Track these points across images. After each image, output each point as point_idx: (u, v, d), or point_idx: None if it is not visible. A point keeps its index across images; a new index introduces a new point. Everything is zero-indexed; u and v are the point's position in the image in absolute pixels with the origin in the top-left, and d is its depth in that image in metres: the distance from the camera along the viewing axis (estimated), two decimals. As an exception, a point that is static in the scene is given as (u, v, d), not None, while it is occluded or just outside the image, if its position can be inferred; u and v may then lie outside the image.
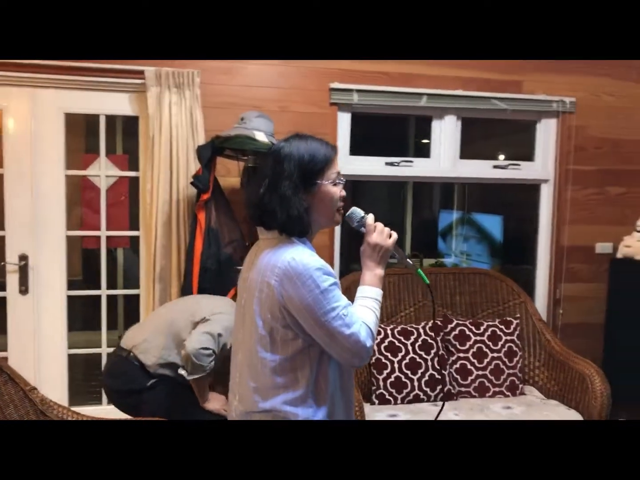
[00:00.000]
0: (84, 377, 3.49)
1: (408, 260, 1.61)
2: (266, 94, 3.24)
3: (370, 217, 1.58)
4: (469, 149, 3.65)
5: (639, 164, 3.76)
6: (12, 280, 3.08)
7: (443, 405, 1.79)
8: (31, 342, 3.11)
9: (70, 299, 3.16)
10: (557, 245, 3.68)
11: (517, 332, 3.10)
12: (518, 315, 3.21)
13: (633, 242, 3.44)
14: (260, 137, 2.74)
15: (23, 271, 3.07)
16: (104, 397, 3.17)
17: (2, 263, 3.07)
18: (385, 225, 1.58)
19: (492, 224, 5.34)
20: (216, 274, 2.81)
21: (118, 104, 3.14)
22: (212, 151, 2.80)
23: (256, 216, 1.52)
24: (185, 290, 2.84)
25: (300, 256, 1.43)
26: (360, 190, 5.79)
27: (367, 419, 2.58)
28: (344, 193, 1.55)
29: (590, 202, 3.72)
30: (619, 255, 3.53)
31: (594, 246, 3.74)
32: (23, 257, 3.07)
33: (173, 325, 2.38)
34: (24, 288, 3.08)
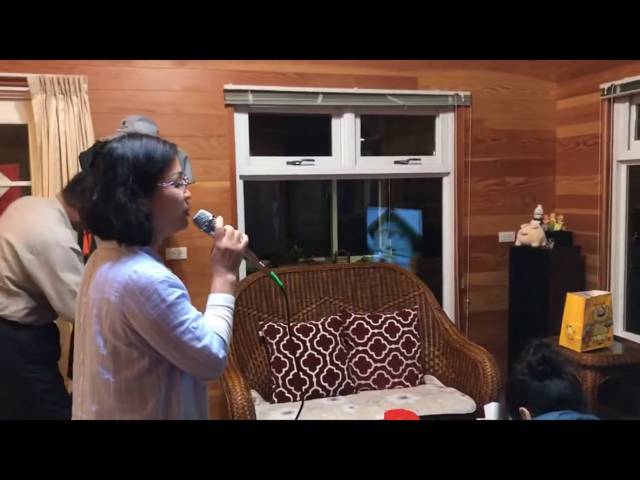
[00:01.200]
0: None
1: (260, 263, 1.55)
2: (159, 98, 3.22)
3: (219, 220, 1.48)
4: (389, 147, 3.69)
5: (536, 153, 3.89)
6: None
7: (302, 405, 1.78)
8: None
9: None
10: (460, 236, 3.77)
11: (414, 323, 3.17)
12: (417, 307, 3.28)
13: (529, 230, 3.55)
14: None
15: None
16: None
17: None
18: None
19: (413, 218, 5.43)
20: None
21: (5, 112, 3.08)
22: (93, 157, 2.77)
23: (91, 225, 1.40)
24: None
25: (142, 268, 1.31)
26: (291, 190, 5.83)
27: (260, 418, 2.59)
28: (188, 194, 1.44)
29: (491, 193, 3.83)
30: (517, 243, 3.64)
31: (497, 235, 3.85)
32: None
33: None
34: None
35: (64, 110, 2.98)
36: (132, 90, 3.19)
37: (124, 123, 2.76)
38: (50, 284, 2.34)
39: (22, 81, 2.96)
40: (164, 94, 3.23)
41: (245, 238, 1.49)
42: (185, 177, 1.45)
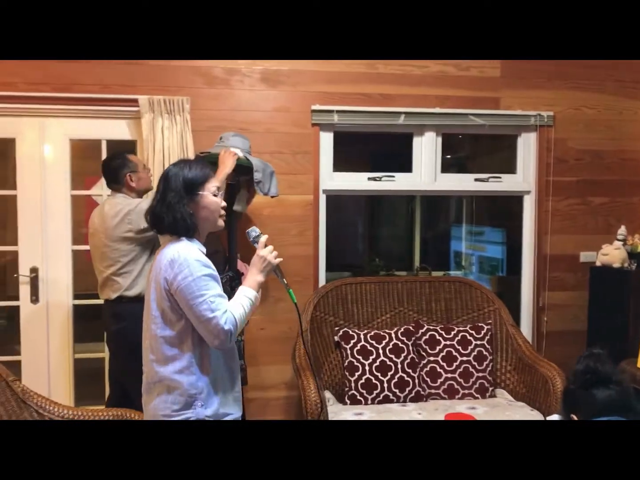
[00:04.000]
0: (88, 380, 3.77)
1: (284, 280, 1.96)
2: (252, 117, 3.50)
3: (263, 238, 1.94)
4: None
5: (621, 174, 3.85)
6: (24, 290, 3.42)
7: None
8: (43, 347, 3.42)
9: (79, 308, 3.48)
10: (540, 255, 3.78)
11: (487, 337, 3.23)
12: (490, 322, 3.34)
13: (610, 250, 3.52)
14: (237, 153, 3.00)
15: (34, 282, 3.41)
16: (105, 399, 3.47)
17: (15, 275, 3.41)
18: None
19: (496, 236, 5.44)
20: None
21: (117, 129, 3.47)
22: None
23: (152, 223, 1.87)
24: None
25: (183, 249, 1.77)
26: (375, 205, 6.01)
27: (332, 418, 2.76)
28: (224, 204, 1.92)
29: (573, 212, 3.82)
30: (598, 263, 3.61)
31: (578, 255, 3.83)
32: (34, 270, 3.41)
33: None
34: (34, 298, 3.41)
35: (169, 128, 3.33)
36: (228, 110, 3.49)
37: (220, 138, 3.04)
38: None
39: (134, 102, 3.33)
40: (256, 113, 3.52)
41: (279, 259, 1.94)
42: (221, 192, 1.92)
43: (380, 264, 5.51)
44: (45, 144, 3.41)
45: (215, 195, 1.88)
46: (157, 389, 1.82)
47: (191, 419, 1.77)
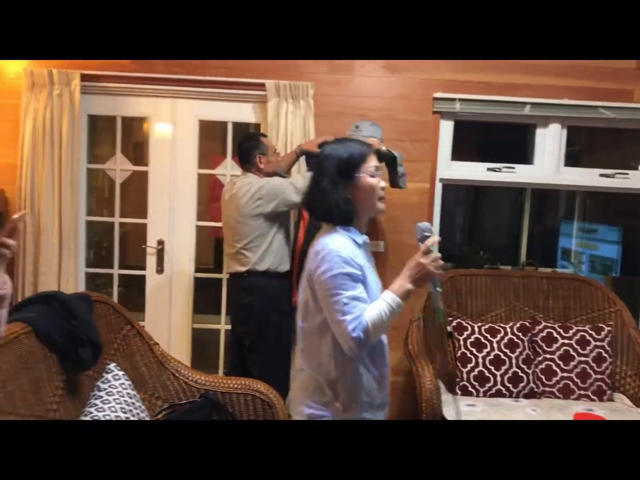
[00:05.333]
0: (204, 349, 3.98)
1: (438, 294, 1.70)
2: (371, 104, 3.53)
3: (431, 240, 1.64)
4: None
5: None
6: (151, 261, 3.65)
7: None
8: (165, 315, 3.64)
9: (199, 281, 3.67)
10: (667, 257, 3.59)
11: (608, 339, 3.11)
12: (611, 323, 3.21)
13: None
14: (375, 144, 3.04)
15: (160, 254, 3.62)
16: (220, 369, 3.65)
17: (144, 246, 3.64)
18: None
19: (610, 234, 5.19)
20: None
21: (243, 112, 3.60)
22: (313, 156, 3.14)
23: (307, 209, 1.82)
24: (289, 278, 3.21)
25: (331, 242, 1.64)
26: (480, 196, 5.89)
27: (445, 407, 2.76)
28: (383, 184, 1.73)
29: None
30: None
31: None
32: (160, 242, 3.62)
33: None
34: (160, 268, 3.63)
35: (292, 113, 3.42)
36: (349, 97, 3.53)
37: (357, 127, 3.10)
38: None
39: (261, 86, 3.44)
40: (376, 100, 3.53)
41: (441, 273, 1.66)
42: (379, 172, 1.73)
43: (484, 257, 5.40)
44: (176, 124, 3.60)
45: (372, 177, 1.70)
46: (299, 379, 1.76)
47: (326, 418, 1.65)
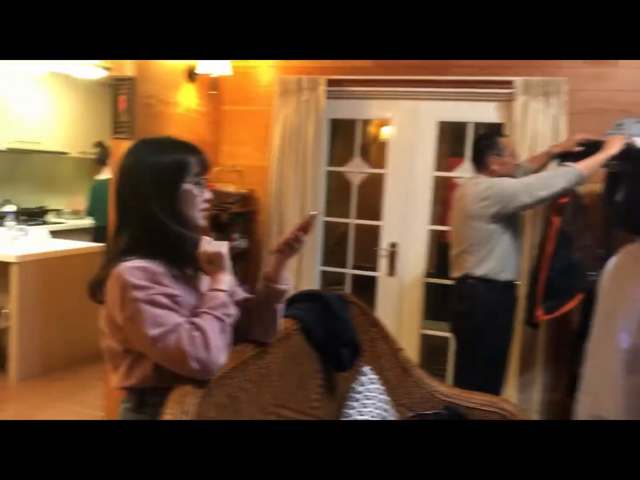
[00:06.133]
0: (430, 357, 3.88)
1: None
2: (637, 98, 3.12)
3: None
4: None
5: None
6: (383, 263, 3.66)
7: None
8: (395, 318, 3.62)
9: (430, 285, 3.60)
10: None
11: None
12: None
13: None
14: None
15: (392, 257, 3.62)
16: (449, 379, 3.53)
17: (376, 248, 3.66)
18: None
19: None
20: (564, 278, 2.86)
21: (485, 112, 3.43)
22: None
23: (625, 222, 1.45)
24: (530, 291, 2.96)
25: None
26: None
27: None
28: None
29: None
30: None
31: None
32: (393, 245, 3.61)
33: None
34: (391, 271, 3.62)
35: (542, 112, 3.16)
36: (610, 91, 3.16)
37: (619, 124, 2.77)
38: None
39: (507, 84, 3.24)
40: (642, 94, 3.12)
41: None
42: None
43: None
44: (415, 126, 3.55)
45: None
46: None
47: None
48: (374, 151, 5.09)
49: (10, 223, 4.31)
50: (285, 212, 3.62)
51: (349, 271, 3.78)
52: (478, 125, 3.51)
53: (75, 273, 4.28)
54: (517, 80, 3.19)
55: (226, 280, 1.38)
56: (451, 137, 4.06)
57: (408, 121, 3.57)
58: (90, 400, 3.62)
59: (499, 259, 2.77)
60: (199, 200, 1.41)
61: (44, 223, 5.42)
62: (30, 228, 4.59)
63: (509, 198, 2.69)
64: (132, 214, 1.38)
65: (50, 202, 5.97)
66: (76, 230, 5.52)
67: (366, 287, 3.82)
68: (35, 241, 4.24)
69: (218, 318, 1.30)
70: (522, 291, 3.08)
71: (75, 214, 5.90)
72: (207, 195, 1.45)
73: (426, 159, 3.54)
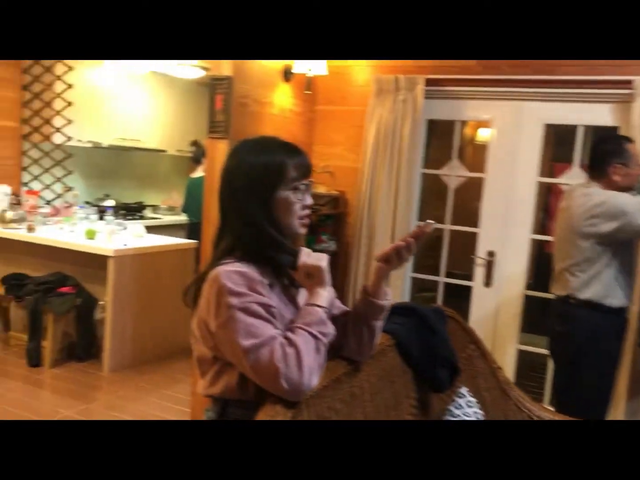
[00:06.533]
0: (526, 373, 3.66)
1: None
2: None
3: None
4: None
5: None
6: (479, 272, 3.47)
7: None
8: (489, 330, 3.42)
9: (528, 298, 3.37)
10: None
11: None
12: None
13: None
14: None
15: (489, 266, 3.42)
16: (545, 399, 3.30)
17: (472, 256, 3.48)
18: None
19: None
20: None
21: (597, 114, 3.16)
22: None
23: None
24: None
25: None
26: None
27: None
28: None
29: None
30: None
31: None
32: (491, 254, 3.42)
33: None
34: (488, 281, 3.43)
35: (666, 112, 2.88)
36: None
37: None
38: None
39: (625, 84, 2.98)
40: None
41: None
42: None
43: None
44: (518, 128, 3.34)
45: None
46: None
47: None
48: (470, 154, 4.88)
49: (109, 217, 4.48)
50: (376, 215, 3.51)
51: (442, 279, 3.61)
52: (588, 128, 3.26)
53: (168, 268, 4.38)
54: (637, 79, 2.92)
55: (325, 296, 1.29)
56: (557, 141, 3.80)
57: (510, 123, 3.36)
58: (178, 395, 3.68)
59: (606, 284, 2.49)
60: (296, 208, 1.32)
61: (141, 218, 5.60)
62: (128, 223, 4.75)
63: (623, 219, 2.40)
64: (231, 217, 1.33)
65: (147, 198, 6.17)
66: (171, 226, 5.67)
67: (458, 296, 3.65)
68: (132, 236, 4.37)
69: (314, 336, 1.21)
70: (634, 313, 2.81)
71: (171, 210, 6.06)
72: (308, 201, 1.35)
73: (530, 164, 3.32)
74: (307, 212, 1.35)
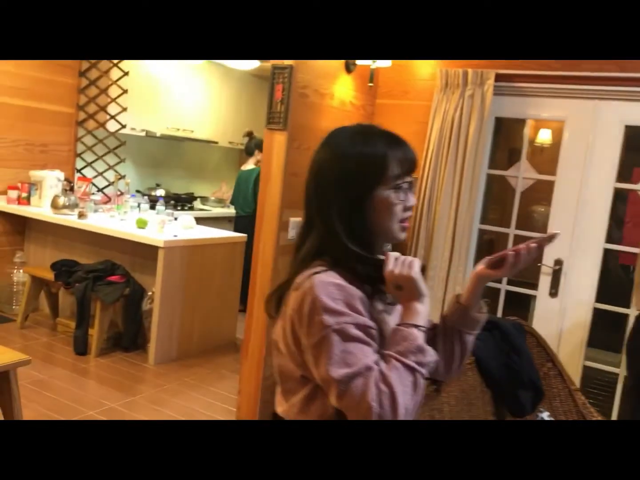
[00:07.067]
0: (595, 393, 3.43)
1: None
2: None
3: None
4: None
5: None
6: (544, 281, 3.25)
7: None
8: (552, 343, 3.19)
9: (595, 312, 3.14)
10: None
11: None
12: None
13: None
14: None
15: (556, 275, 3.21)
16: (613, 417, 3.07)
17: (539, 264, 3.26)
18: None
19: None
20: None
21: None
22: None
23: None
24: None
25: None
26: None
27: None
28: None
29: None
30: None
31: None
32: (558, 262, 3.20)
33: None
34: (554, 291, 3.22)
35: None
36: None
37: None
38: None
39: None
40: None
41: None
42: None
43: None
44: (595, 129, 3.11)
45: None
46: None
47: None
48: (537, 155, 4.64)
49: (160, 207, 4.42)
50: (436, 215, 3.33)
51: (503, 286, 3.41)
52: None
53: (217, 262, 4.30)
54: None
55: (421, 311, 1.09)
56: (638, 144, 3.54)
57: (586, 123, 3.13)
58: (224, 392, 3.60)
59: None
60: (398, 209, 1.14)
61: (191, 209, 5.55)
62: (178, 213, 4.69)
63: None
64: (317, 217, 1.17)
65: (197, 189, 6.13)
66: (220, 218, 5.60)
67: (519, 305, 3.45)
68: (182, 227, 4.31)
69: (411, 369, 1.03)
70: None
71: (220, 202, 6.00)
72: (411, 201, 1.18)
73: (606, 168, 3.09)
74: (409, 214, 1.17)
